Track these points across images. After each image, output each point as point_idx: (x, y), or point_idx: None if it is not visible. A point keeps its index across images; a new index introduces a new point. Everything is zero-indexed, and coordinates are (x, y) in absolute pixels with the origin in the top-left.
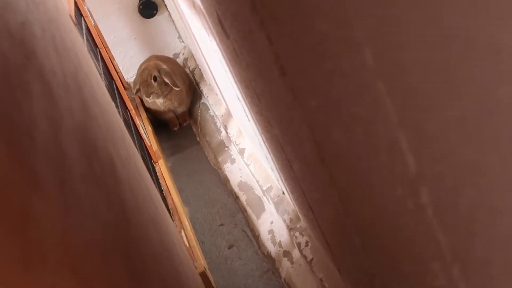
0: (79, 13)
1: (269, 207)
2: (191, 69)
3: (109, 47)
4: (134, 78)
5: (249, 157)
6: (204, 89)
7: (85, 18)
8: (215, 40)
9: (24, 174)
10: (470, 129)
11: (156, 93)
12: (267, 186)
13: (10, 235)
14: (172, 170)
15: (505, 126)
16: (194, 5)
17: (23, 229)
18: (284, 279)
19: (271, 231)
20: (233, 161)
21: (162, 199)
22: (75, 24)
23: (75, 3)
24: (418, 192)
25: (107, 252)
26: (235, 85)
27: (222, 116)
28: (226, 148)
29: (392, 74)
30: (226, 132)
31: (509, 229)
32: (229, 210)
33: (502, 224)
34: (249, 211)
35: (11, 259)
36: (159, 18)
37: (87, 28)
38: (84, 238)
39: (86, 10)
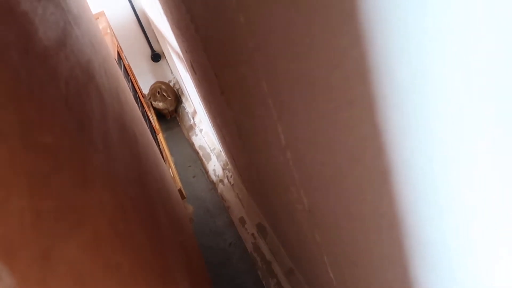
0: (119, 57)
1: (214, 157)
2: (176, 88)
3: (135, 75)
4: (147, 92)
5: (204, 134)
6: (183, 99)
7: (123, 60)
8: (189, 74)
9: (86, 139)
10: (312, 124)
11: (159, 100)
12: (213, 147)
13: (76, 171)
14: (166, 139)
15: (331, 124)
16: (179, 57)
17: (83, 167)
18: (220, 193)
19: (214, 170)
20: (196, 135)
21: (160, 153)
22: (117, 63)
23: (118, 52)
24: (286, 153)
25: (131, 181)
26: (198, 97)
27: (192, 112)
28: (193, 129)
29: (276, 95)
30: (193, 120)
31: (329, 173)
32: (193, 159)
33: (326, 170)
34: (203, 160)
35: (76, 183)
36: (162, 62)
37: (124, 65)
38: (118, 172)
39: (124, 56)
